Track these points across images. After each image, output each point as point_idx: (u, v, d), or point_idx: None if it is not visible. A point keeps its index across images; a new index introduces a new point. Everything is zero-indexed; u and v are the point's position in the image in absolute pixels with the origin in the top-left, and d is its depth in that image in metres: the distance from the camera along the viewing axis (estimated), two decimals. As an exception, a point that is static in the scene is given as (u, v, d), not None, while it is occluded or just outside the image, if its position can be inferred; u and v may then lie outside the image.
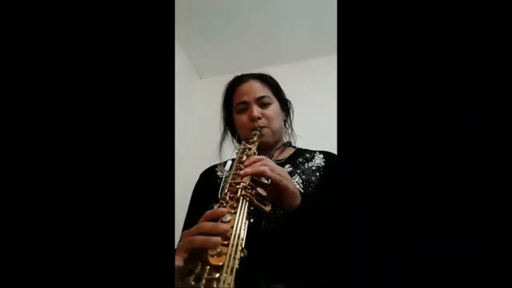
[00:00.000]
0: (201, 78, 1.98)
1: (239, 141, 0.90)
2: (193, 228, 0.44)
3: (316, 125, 1.33)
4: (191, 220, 0.76)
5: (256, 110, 0.78)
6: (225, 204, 0.48)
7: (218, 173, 0.81)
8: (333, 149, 0.79)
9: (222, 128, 0.92)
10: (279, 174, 0.53)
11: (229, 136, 0.92)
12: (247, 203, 0.48)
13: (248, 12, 1.56)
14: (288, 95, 0.92)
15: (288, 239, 0.59)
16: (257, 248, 0.52)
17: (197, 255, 0.41)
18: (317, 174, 0.72)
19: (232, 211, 0.46)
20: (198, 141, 1.56)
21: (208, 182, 0.80)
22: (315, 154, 0.79)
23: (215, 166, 0.85)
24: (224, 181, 0.72)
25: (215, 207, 0.50)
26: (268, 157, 0.78)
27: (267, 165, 0.54)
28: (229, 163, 0.78)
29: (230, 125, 0.91)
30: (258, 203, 0.49)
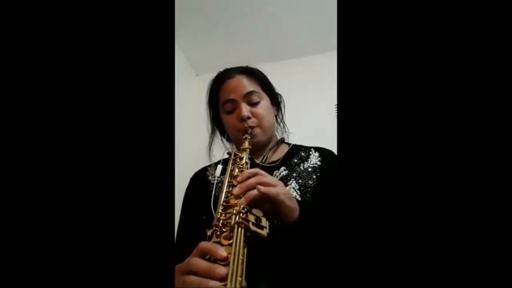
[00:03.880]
0: (197, 75, 1.93)
1: (229, 140, 0.85)
2: (185, 265, 0.41)
3: (312, 122, 1.30)
4: (183, 229, 0.73)
5: (245, 109, 0.72)
6: (218, 232, 0.45)
7: (209, 178, 0.76)
8: (328, 147, 0.76)
9: (210, 129, 0.86)
10: (273, 189, 0.50)
11: (217, 136, 0.86)
12: (242, 230, 0.44)
13: (245, 8, 1.50)
14: (285, 92, 0.86)
15: (288, 252, 0.56)
16: (257, 261, 0.50)
17: None
18: (314, 177, 0.68)
19: (227, 243, 0.42)
20: (194, 138, 1.52)
21: (199, 188, 0.76)
22: (310, 152, 0.75)
23: (205, 169, 0.81)
24: (215, 188, 0.68)
25: (208, 233, 0.46)
26: (262, 160, 0.74)
27: (260, 181, 0.50)
28: (219, 167, 0.73)
29: (218, 124, 0.85)
30: (255, 228, 0.45)
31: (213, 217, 0.50)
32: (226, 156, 0.77)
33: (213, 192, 0.67)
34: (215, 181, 0.71)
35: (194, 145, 1.29)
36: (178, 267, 0.42)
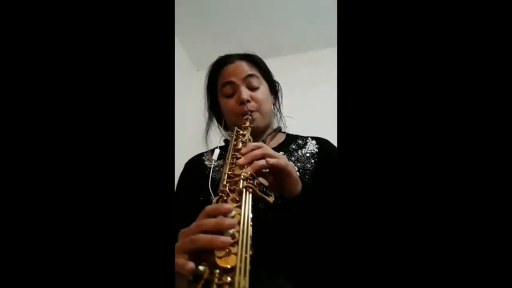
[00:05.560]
0: (198, 70, 1.93)
1: (225, 128, 0.84)
2: (193, 226, 0.39)
3: (312, 119, 1.31)
4: (178, 207, 0.71)
5: (245, 93, 0.72)
6: (225, 198, 0.44)
7: (206, 162, 0.75)
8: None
9: (207, 115, 0.85)
10: (282, 160, 0.50)
11: (214, 124, 0.86)
12: (250, 195, 0.43)
13: (246, 3, 1.53)
14: (287, 88, 0.88)
15: (289, 230, 0.56)
16: (258, 241, 0.49)
17: (200, 256, 0.36)
18: (312, 161, 0.69)
19: (235, 205, 0.42)
20: (195, 133, 1.51)
21: (195, 171, 0.75)
22: (307, 140, 0.76)
23: (201, 155, 0.80)
24: (213, 171, 0.67)
25: (214, 201, 0.46)
26: None
27: (266, 153, 0.50)
28: (217, 151, 0.72)
29: (215, 111, 0.85)
30: (262, 194, 0.45)
31: (210, 199, 0.49)
32: (223, 144, 0.77)
33: (211, 175, 0.66)
34: (212, 165, 0.70)
35: (194, 140, 1.29)
36: (184, 231, 0.40)
